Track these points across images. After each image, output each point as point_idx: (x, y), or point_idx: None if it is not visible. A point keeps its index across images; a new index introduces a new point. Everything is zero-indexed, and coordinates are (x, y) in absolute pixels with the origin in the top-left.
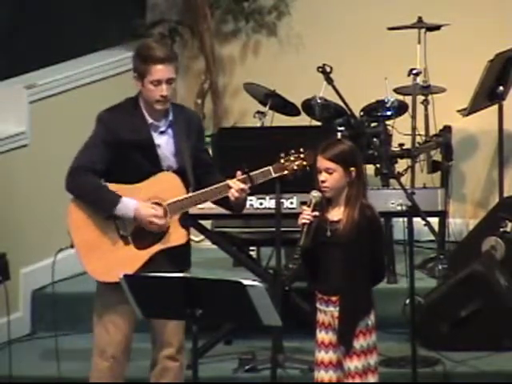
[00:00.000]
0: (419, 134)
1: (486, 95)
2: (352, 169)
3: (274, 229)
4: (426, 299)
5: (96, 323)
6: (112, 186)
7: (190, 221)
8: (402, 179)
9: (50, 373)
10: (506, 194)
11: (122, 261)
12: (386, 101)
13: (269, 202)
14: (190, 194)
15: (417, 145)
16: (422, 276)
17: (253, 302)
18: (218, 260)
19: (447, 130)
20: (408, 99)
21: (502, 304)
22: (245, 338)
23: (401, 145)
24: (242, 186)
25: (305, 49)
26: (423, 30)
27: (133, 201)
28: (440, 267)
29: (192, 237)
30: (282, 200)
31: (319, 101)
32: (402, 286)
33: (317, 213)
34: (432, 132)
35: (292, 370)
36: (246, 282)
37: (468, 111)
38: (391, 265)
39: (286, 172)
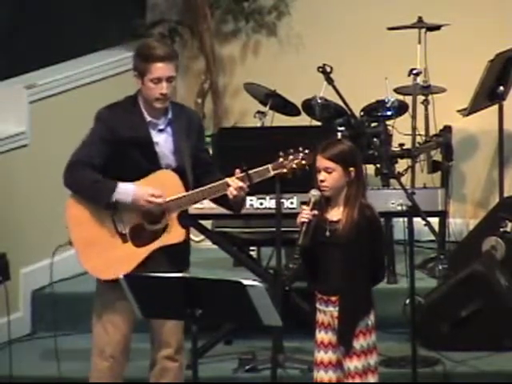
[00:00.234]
0: (419, 134)
1: (486, 95)
2: (351, 169)
3: (274, 229)
4: (426, 299)
5: (95, 323)
6: None
7: (189, 220)
8: (402, 179)
9: (50, 373)
10: (506, 194)
11: (119, 258)
12: (386, 101)
13: (269, 202)
14: (189, 192)
15: (417, 145)
16: (422, 276)
17: (253, 301)
18: (218, 260)
19: (447, 129)
20: (408, 99)
21: (502, 304)
22: (245, 338)
23: (401, 145)
24: (241, 184)
25: (305, 49)
26: (423, 30)
27: (129, 184)
28: (440, 267)
29: (192, 237)
30: (282, 200)
31: (319, 101)
32: (402, 285)
33: (316, 212)
34: (432, 132)
35: (292, 370)
36: (246, 282)
37: (468, 111)
38: (391, 265)
39: (284, 170)
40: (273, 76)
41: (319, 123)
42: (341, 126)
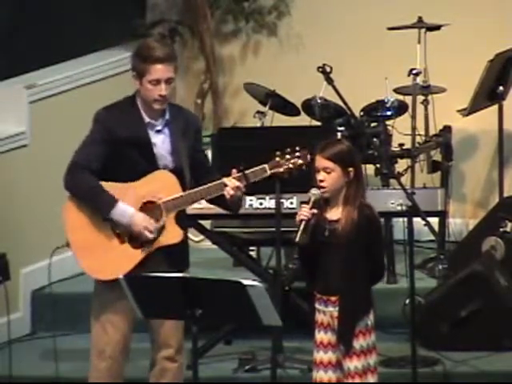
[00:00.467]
0: (419, 134)
1: (486, 95)
2: (350, 169)
3: (273, 229)
4: (426, 299)
5: (94, 323)
6: (108, 185)
7: (187, 221)
8: (402, 179)
9: (50, 373)
10: (506, 194)
11: (118, 259)
12: (385, 101)
13: (269, 202)
14: (186, 193)
15: (417, 145)
16: (422, 276)
17: (253, 301)
18: (218, 260)
19: (447, 130)
20: (408, 99)
21: (502, 304)
22: (245, 338)
23: (401, 145)
24: (238, 183)
25: (305, 49)
26: (423, 30)
27: (129, 208)
28: (440, 267)
29: (192, 237)
30: (281, 200)
31: (319, 101)
32: (402, 285)
33: (315, 211)
34: (432, 132)
35: (292, 370)
36: (245, 282)
37: (468, 111)
38: (391, 265)
39: (281, 170)
40: (273, 76)
41: (319, 123)
42: (340, 126)
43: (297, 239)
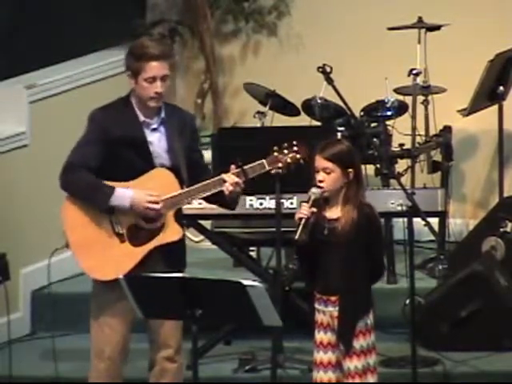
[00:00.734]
0: (419, 134)
1: (486, 95)
2: (350, 170)
3: (274, 229)
4: (426, 299)
5: (92, 324)
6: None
7: (185, 220)
8: (402, 179)
9: (50, 373)
10: (506, 194)
11: (118, 258)
12: (386, 101)
13: (269, 202)
14: (185, 190)
15: (417, 145)
16: (422, 276)
17: (253, 302)
18: (218, 260)
19: (447, 130)
20: (408, 99)
21: (502, 304)
22: (245, 338)
23: (401, 145)
24: (237, 179)
25: (305, 49)
26: (423, 30)
27: (127, 190)
28: (440, 267)
29: (192, 237)
30: (282, 200)
31: (319, 101)
32: (402, 286)
33: (314, 209)
34: (432, 132)
35: (292, 370)
36: (245, 282)
37: (468, 111)
38: (391, 265)
39: (279, 165)
40: (273, 76)
41: (319, 123)
42: (341, 126)
43: (296, 237)
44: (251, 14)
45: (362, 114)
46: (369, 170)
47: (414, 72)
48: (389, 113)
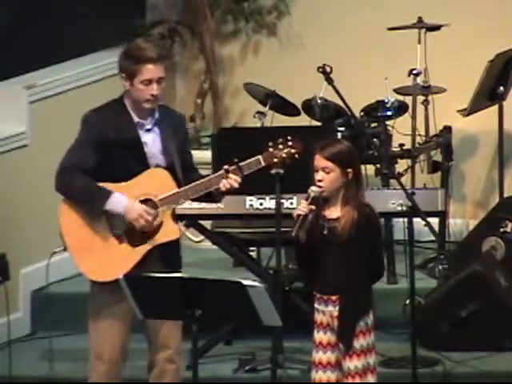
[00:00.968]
0: (419, 135)
1: (486, 95)
2: (349, 170)
3: (274, 229)
4: (426, 299)
5: (91, 326)
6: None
7: (183, 220)
8: (402, 179)
9: (50, 373)
10: (506, 194)
11: (117, 259)
12: (386, 101)
13: (269, 203)
14: (182, 188)
15: (417, 145)
16: (423, 276)
17: (253, 302)
18: (218, 260)
19: (447, 130)
20: (408, 99)
21: (502, 304)
22: (245, 338)
23: (401, 145)
24: (235, 177)
25: (305, 49)
26: (423, 30)
27: (124, 197)
28: (440, 267)
29: (192, 237)
30: (282, 200)
31: (319, 101)
32: (402, 286)
33: (313, 207)
34: (432, 132)
35: (292, 371)
36: (245, 282)
37: (468, 111)
38: (391, 265)
39: (275, 160)
40: (273, 76)
41: (319, 123)
42: (341, 127)
43: (293, 233)
44: (251, 14)
45: (362, 114)
46: (369, 170)
47: (414, 72)
48: (389, 113)
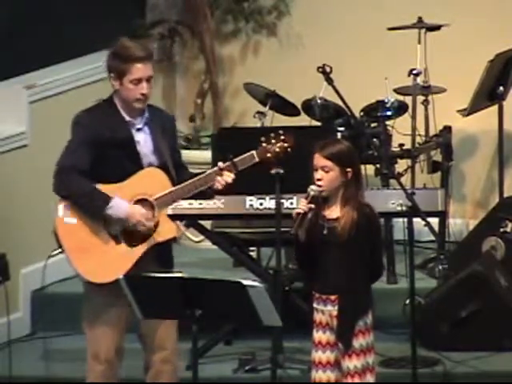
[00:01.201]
0: (419, 135)
1: (486, 95)
2: (348, 169)
3: (274, 229)
4: (426, 299)
5: (87, 327)
6: (97, 186)
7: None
8: (402, 179)
9: (50, 373)
10: (506, 194)
11: (115, 260)
12: (385, 101)
13: (269, 203)
14: (177, 187)
15: (417, 145)
16: (423, 276)
17: (253, 302)
18: (218, 260)
19: (447, 130)
20: (408, 99)
21: (502, 304)
22: (245, 338)
23: (401, 145)
24: (229, 173)
25: (305, 49)
26: (423, 30)
27: (124, 202)
28: (440, 267)
29: (192, 237)
30: (281, 200)
31: (319, 101)
32: (402, 286)
33: (312, 205)
34: (432, 132)
35: (292, 370)
36: (245, 282)
37: (468, 111)
38: (391, 265)
39: (268, 155)
40: (273, 76)
41: (319, 123)
42: (340, 127)
43: (292, 231)
44: (251, 14)
45: (361, 114)
46: (369, 170)
47: (414, 72)
48: (389, 113)
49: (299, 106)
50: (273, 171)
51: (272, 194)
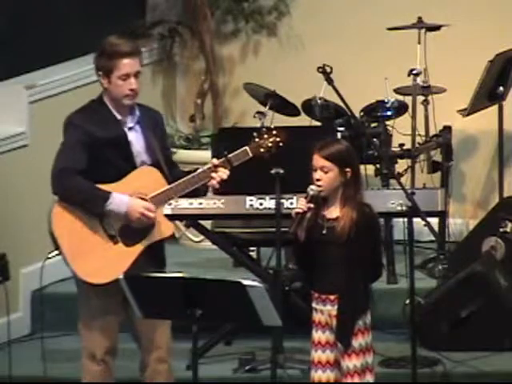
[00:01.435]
0: (419, 135)
1: (486, 95)
2: (348, 169)
3: (274, 229)
4: (426, 299)
5: (83, 327)
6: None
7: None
8: (402, 179)
9: (50, 373)
10: (506, 194)
11: (113, 260)
12: (386, 101)
13: (269, 203)
14: (172, 185)
15: (417, 145)
16: (422, 276)
17: (253, 302)
18: (218, 260)
19: (447, 130)
20: (408, 99)
21: (502, 304)
22: (245, 338)
23: (401, 145)
24: (224, 169)
25: (305, 49)
26: (423, 30)
27: (125, 196)
28: (440, 267)
29: (192, 237)
30: (281, 200)
31: (319, 101)
32: (402, 286)
33: (312, 205)
34: (432, 132)
35: (292, 370)
36: (245, 282)
37: (468, 111)
38: (391, 265)
39: (261, 150)
40: (273, 76)
41: (319, 123)
42: (341, 127)
43: (291, 230)
44: (251, 14)
45: (361, 114)
46: (369, 170)
47: (414, 72)
48: (389, 113)
49: (299, 106)
50: (273, 171)
51: (272, 193)
